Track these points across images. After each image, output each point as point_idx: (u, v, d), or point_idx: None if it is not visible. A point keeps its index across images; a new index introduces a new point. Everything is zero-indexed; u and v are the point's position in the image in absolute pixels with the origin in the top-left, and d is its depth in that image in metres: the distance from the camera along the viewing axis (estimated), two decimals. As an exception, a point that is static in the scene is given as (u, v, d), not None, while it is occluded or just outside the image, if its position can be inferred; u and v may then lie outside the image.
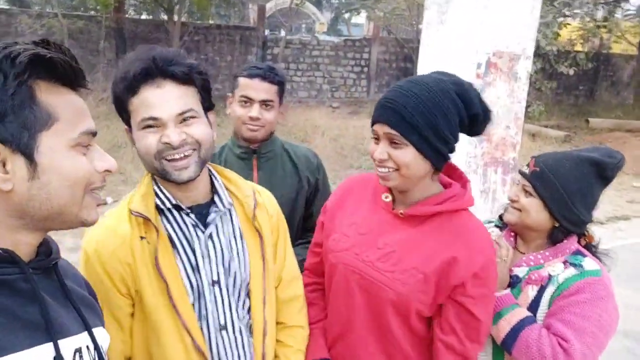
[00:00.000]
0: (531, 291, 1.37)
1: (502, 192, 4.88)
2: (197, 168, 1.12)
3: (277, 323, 1.32)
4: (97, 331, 0.84)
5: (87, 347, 0.80)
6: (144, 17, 14.20)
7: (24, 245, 0.75)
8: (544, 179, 1.37)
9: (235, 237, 1.23)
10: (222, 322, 1.18)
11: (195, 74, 1.11)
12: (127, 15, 11.79)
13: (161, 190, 1.16)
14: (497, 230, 1.56)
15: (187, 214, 1.17)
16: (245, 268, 1.22)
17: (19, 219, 0.73)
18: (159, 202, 1.16)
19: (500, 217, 1.55)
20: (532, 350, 1.27)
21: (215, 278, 1.18)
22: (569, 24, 10.48)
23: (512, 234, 1.50)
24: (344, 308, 1.30)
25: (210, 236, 1.19)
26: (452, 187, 1.26)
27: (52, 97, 0.72)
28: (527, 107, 4.91)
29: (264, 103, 1.73)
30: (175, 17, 10.93)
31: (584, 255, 1.38)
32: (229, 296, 1.19)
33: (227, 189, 1.25)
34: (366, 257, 1.25)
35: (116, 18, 10.69)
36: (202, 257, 1.17)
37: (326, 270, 1.37)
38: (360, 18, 23.32)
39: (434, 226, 1.23)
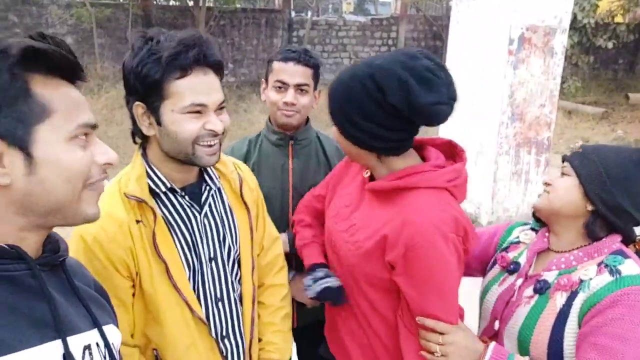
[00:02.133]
0: (560, 298, 1.18)
1: (535, 173, 4.72)
2: (220, 154, 1.19)
3: (258, 285, 1.39)
4: (108, 329, 0.84)
5: (97, 344, 0.79)
6: (170, 3, 14.27)
7: (28, 241, 0.75)
8: (584, 156, 1.23)
9: (226, 212, 1.29)
10: (219, 294, 1.26)
11: (222, 66, 1.16)
12: (154, 2, 11.86)
13: (155, 173, 1.18)
14: (532, 233, 1.38)
15: (183, 196, 1.21)
16: (236, 241, 1.30)
17: (21, 215, 0.72)
18: (152, 185, 1.17)
19: (534, 215, 1.36)
20: None
21: (212, 255, 1.25)
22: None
23: (547, 234, 1.32)
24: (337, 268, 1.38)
25: (206, 215, 1.25)
26: (426, 163, 1.22)
27: (47, 90, 0.71)
28: (563, 83, 4.68)
29: (299, 87, 1.68)
30: (201, 2, 10.93)
31: (626, 257, 1.17)
32: (225, 271, 1.27)
33: (214, 166, 1.28)
34: (340, 227, 1.31)
35: (143, 5, 10.76)
36: (200, 236, 1.22)
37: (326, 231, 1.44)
38: (388, -3, 22.83)
39: (389, 202, 1.21)
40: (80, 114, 0.74)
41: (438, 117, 1.13)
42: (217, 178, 1.29)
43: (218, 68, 1.14)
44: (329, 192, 1.47)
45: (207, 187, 1.26)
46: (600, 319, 1.09)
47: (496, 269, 1.39)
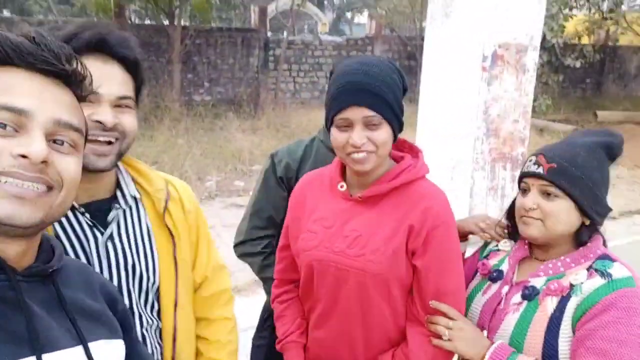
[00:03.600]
0: (550, 303, 1.17)
1: (511, 188, 4.76)
2: (115, 160, 1.03)
3: (199, 319, 1.27)
4: (97, 345, 0.78)
5: None
6: (146, 22, 14.20)
7: (9, 250, 0.71)
8: (569, 174, 1.18)
9: (142, 236, 1.12)
10: None
11: (141, 67, 1.06)
12: (128, 21, 11.78)
13: None
14: (510, 242, 1.37)
15: (82, 213, 1.04)
16: (153, 271, 1.12)
17: None
18: None
19: (509, 226, 1.36)
20: None
21: (115, 282, 1.07)
22: (574, 16, 10.32)
23: (525, 240, 1.31)
24: (329, 299, 1.31)
25: (111, 237, 1.07)
26: (404, 160, 1.29)
27: None
28: (534, 101, 4.77)
29: None
30: (176, 21, 10.90)
31: (613, 260, 1.18)
32: (131, 302, 1.09)
33: (135, 182, 1.14)
34: (336, 248, 1.27)
35: (117, 23, 10.68)
36: (100, 261, 1.05)
37: (302, 272, 1.35)
38: (362, 17, 23.25)
39: (392, 201, 1.26)
40: (1, 96, 0.67)
41: None
42: (134, 195, 1.12)
43: (126, 63, 1.03)
44: (294, 226, 1.39)
45: (116, 205, 1.09)
46: (595, 322, 1.08)
47: (478, 277, 1.37)
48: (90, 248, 1.04)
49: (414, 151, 1.33)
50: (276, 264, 1.47)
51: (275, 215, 1.69)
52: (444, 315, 1.22)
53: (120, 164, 1.13)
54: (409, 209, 1.23)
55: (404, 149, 1.34)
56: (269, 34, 13.31)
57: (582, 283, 1.14)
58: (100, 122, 0.98)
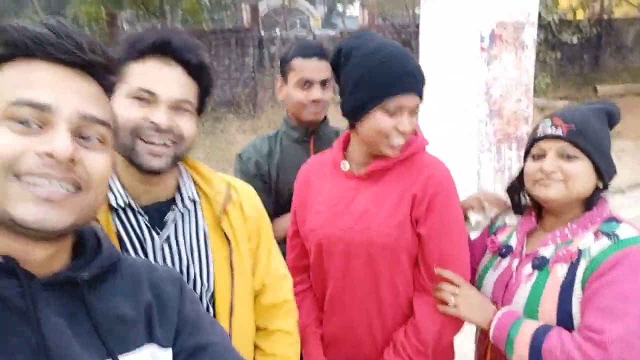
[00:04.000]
0: (561, 270, 1.17)
1: (518, 169, 4.73)
2: (170, 162, 1.02)
3: (259, 329, 1.23)
4: (130, 357, 0.72)
5: None
6: (138, 28, 14.18)
7: (34, 256, 0.66)
8: (587, 135, 1.18)
9: (198, 239, 1.10)
10: None
11: (205, 72, 1.05)
12: (121, 28, 11.75)
13: (115, 184, 1.03)
14: (517, 216, 1.36)
15: (141, 215, 1.05)
16: (208, 276, 1.10)
17: None
18: (111, 199, 1.02)
19: (513, 199, 1.36)
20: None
21: None
22: (568, -8, 10.24)
23: (532, 212, 1.31)
24: (340, 278, 1.32)
25: (168, 239, 1.06)
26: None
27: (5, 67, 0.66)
28: (533, 80, 4.73)
29: (324, 83, 1.65)
30: (169, 24, 10.89)
31: (619, 222, 1.18)
32: None
33: (197, 184, 1.13)
34: (344, 225, 1.29)
35: (110, 31, 10.66)
36: (156, 262, 1.04)
37: (312, 253, 1.37)
38: (354, 9, 23.14)
39: (395, 174, 1.29)
40: (22, 90, 0.63)
41: None
42: (193, 199, 1.11)
43: (189, 67, 1.02)
44: (301, 211, 1.41)
45: (173, 207, 1.08)
46: (602, 280, 1.09)
47: (488, 254, 1.38)
48: (147, 249, 1.04)
49: None
50: (287, 253, 1.47)
51: None
52: (449, 282, 1.25)
53: (182, 166, 1.13)
54: (411, 180, 1.26)
55: None
56: (262, 32, 13.27)
57: (589, 247, 1.15)
58: (155, 123, 0.97)
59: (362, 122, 1.23)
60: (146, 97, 0.98)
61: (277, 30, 13.16)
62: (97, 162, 0.67)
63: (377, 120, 1.20)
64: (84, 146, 0.66)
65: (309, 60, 1.63)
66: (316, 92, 1.63)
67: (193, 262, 1.08)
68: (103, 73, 0.70)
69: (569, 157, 1.19)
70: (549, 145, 1.20)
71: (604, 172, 1.19)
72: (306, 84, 1.63)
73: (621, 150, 7.32)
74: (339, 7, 25.36)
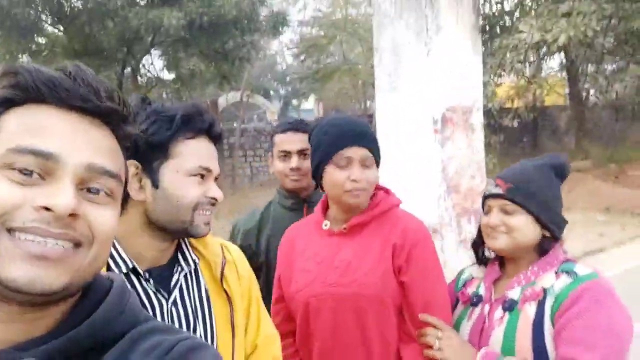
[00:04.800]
0: (530, 308, 1.27)
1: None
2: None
3: None
4: None
5: None
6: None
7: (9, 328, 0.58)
8: (524, 191, 1.32)
9: (202, 300, 1.11)
10: None
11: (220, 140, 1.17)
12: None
13: (117, 251, 1.03)
14: (482, 267, 1.48)
15: (147, 280, 1.05)
16: (212, 336, 1.10)
17: None
18: (112, 265, 1.01)
19: (477, 252, 1.50)
20: None
21: None
22: (503, 83, 11.29)
23: (496, 262, 1.43)
24: (328, 336, 1.34)
25: (175, 302, 1.06)
26: (378, 194, 1.45)
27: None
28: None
29: (302, 152, 1.81)
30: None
31: (574, 262, 1.32)
32: None
33: (192, 246, 1.16)
34: (330, 280, 1.35)
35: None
36: None
37: (298, 315, 1.39)
38: (309, 104, 24.33)
39: (374, 228, 1.38)
40: (27, 138, 0.57)
41: None
42: (194, 259, 1.12)
43: (217, 141, 1.12)
44: (286, 274, 1.47)
45: (179, 269, 1.09)
46: (569, 314, 1.19)
47: (460, 306, 1.47)
48: (156, 314, 1.03)
49: (384, 189, 1.50)
50: (272, 318, 1.47)
51: None
52: (433, 326, 1.32)
53: None
54: (390, 230, 1.36)
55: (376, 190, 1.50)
56: (222, 124, 13.67)
57: (552, 285, 1.26)
58: (214, 199, 1.06)
59: (323, 181, 1.36)
60: (204, 174, 1.05)
61: (236, 123, 13.59)
62: (103, 218, 0.60)
63: (331, 174, 1.33)
64: (90, 200, 0.60)
65: (285, 134, 1.83)
66: (294, 161, 1.80)
67: (198, 324, 1.09)
68: (119, 123, 0.65)
69: (507, 213, 1.33)
70: (493, 203, 1.35)
71: (547, 222, 1.32)
72: (285, 155, 1.81)
73: (572, 223, 7.73)
74: (294, 102, 26.58)
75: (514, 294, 1.32)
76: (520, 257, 1.37)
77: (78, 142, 0.59)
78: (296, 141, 1.82)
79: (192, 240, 1.16)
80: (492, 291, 1.38)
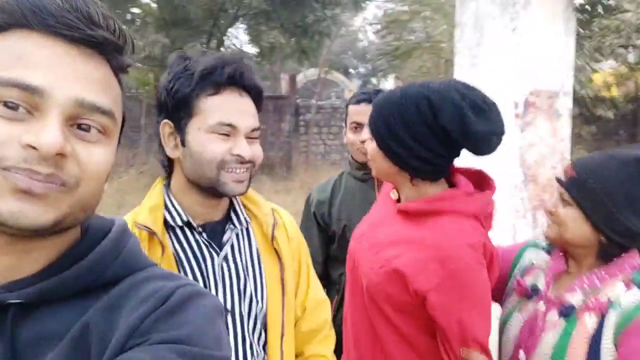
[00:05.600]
0: (589, 320, 1.11)
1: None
2: (249, 185, 1.08)
3: (296, 355, 1.21)
4: None
5: None
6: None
7: None
8: (582, 185, 1.16)
9: (252, 258, 1.13)
10: (234, 358, 1.04)
11: (262, 94, 1.10)
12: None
13: (173, 205, 1.07)
14: (546, 255, 1.33)
15: (200, 233, 1.07)
16: (262, 295, 1.10)
17: None
18: (168, 218, 1.06)
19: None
20: None
21: (229, 306, 1.05)
22: (601, 69, 10.36)
23: (561, 253, 1.28)
24: (347, 293, 1.31)
25: (226, 258, 1.08)
26: (450, 190, 1.22)
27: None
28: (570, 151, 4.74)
29: None
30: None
31: None
32: (243, 327, 1.06)
33: (244, 206, 1.17)
34: (364, 245, 1.28)
35: (156, 94, 11.29)
36: (215, 281, 1.05)
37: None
38: (388, 83, 23.90)
39: (418, 224, 1.20)
40: (11, 69, 0.53)
41: (489, 146, 1.14)
42: (245, 218, 1.14)
43: (256, 94, 1.07)
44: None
45: (232, 226, 1.12)
46: (635, 341, 1.03)
47: (514, 296, 1.34)
48: (207, 268, 1.06)
49: (486, 189, 1.25)
50: None
51: (315, 254, 1.75)
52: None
53: None
54: (422, 239, 1.17)
55: (482, 183, 1.27)
56: (299, 100, 13.79)
57: (619, 297, 1.10)
58: (240, 156, 1.02)
59: None
60: (227, 131, 1.01)
61: (314, 100, 13.64)
62: (94, 156, 0.57)
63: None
64: (81, 138, 0.56)
65: (359, 105, 1.81)
66: (365, 133, 1.71)
67: (249, 281, 1.10)
68: (113, 53, 0.60)
69: (564, 202, 1.21)
70: (559, 189, 1.24)
71: (600, 224, 1.15)
72: (357, 127, 1.80)
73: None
74: (374, 81, 26.23)
75: (574, 298, 1.18)
76: (579, 256, 1.23)
77: (67, 75, 0.55)
78: (369, 113, 1.79)
79: (245, 201, 1.18)
80: (551, 286, 1.25)
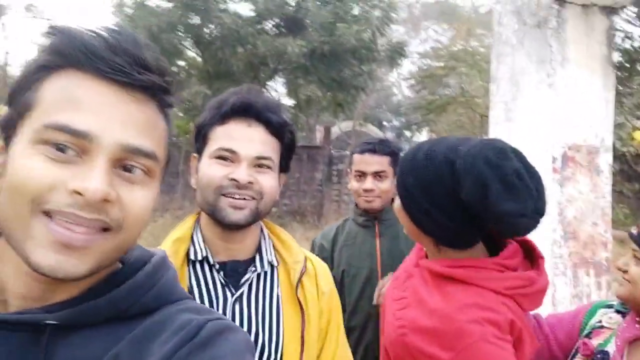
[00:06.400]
0: None
1: (597, 296, 4.37)
2: (251, 216, 1.03)
3: None
4: None
5: None
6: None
7: (33, 288, 0.59)
8: None
9: (271, 305, 1.06)
10: None
11: (286, 130, 1.09)
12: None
13: (197, 239, 1.07)
14: (617, 316, 1.24)
15: (218, 271, 1.05)
16: (277, 347, 1.03)
17: None
18: (191, 251, 1.05)
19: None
20: None
21: None
22: (642, 126, 10.14)
23: (637, 318, 1.18)
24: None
25: (240, 299, 1.04)
26: (481, 260, 1.08)
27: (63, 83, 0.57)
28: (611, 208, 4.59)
29: (377, 174, 1.83)
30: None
31: None
32: None
33: (276, 249, 1.13)
34: (394, 295, 1.18)
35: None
36: None
37: None
38: (422, 136, 24.00)
39: (440, 285, 1.07)
40: (64, 112, 0.54)
41: (517, 229, 0.99)
42: (271, 261, 1.09)
43: (270, 125, 1.05)
44: None
45: (253, 268, 1.07)
46: None
47: (579, 358, 1.22)
48: (218, 308, 1.02)
49: (534, 266, 1.13)
50: None
51: None
52: None
53: (265, 229, 1.16)
54: (438, 305, 1.05)
55: (532, 257, 1.16)
56: (333, 151, 13.97)
57: None
58: (235, 180, 1.01)
59: None
60: (228, 156, 1.03)
61: (347, 151, 13.81)
62: (137, 200, 0.58)
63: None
64: (126, 180, 0.58)
65: (363, 155, 1.85)
66: (367, 183, 1.82)
67: (263, 329, 1.04)
68: (161, 94, 0.62)
69: (635, 260, 1.16)
70: (631, 245, 1.19)
71: None
72: (361, 175, 1.84)
73: None
74: (407, 134, 26.39)
75: None
76: None
77: (114, 119, 0.56)
78: (372, 163, 1.84)
79: (277, 243, 1.15)
80: (625, 354, 1.15)
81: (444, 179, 1.01)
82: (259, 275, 1.09)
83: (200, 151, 1.08)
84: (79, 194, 0.53)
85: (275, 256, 1.13)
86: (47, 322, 0.56)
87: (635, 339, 1.16)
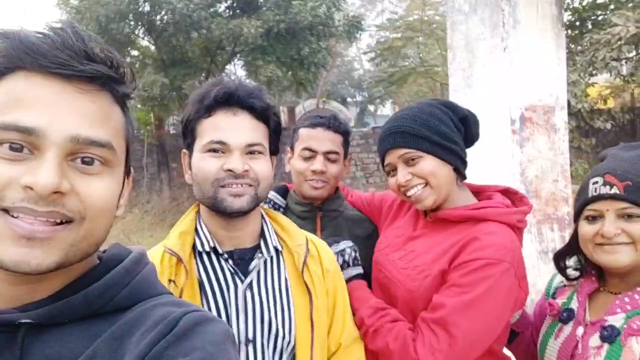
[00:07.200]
0: (637, 345, 1.02)
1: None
2: (251, 202, 1.05)
3: None
4: None
5: None
6: (182, 131, 15.11)
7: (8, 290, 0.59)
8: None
9: (280, 289, 1.09)
10: None
11: (271, 113, 1.09)
12: (168, 131, 12.59)
13: (202, 230, 1.08)
14: (574, 272, 1.27)
15: (226, 260, 1.07)
16: (290, 329, 1.07)
17: None
18: (197, 243, 1.06)
19: (560, 265, 1.28)
20: None
21: (250, 336, 1.03)
22: (596, 83, 10.46)
23: (593, 272, 1.21)
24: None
25: (250, 286, 1.06)
26: (490, 199, 1.28)
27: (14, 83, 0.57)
28: (570, 166, 4.75)
29: (328, 155, 1.50)
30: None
31: None
32: (264, 359, 1.03)
33: (277, 235, 1.15)
34: (392, 257, 1.29)
35: (157, 135, 11.42)
36: (237, 310, 1.03)
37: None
38: (386, 109, 24.13)
39: (456, 230, 1.22)
40: (10, 112, 0.55)
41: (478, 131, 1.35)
42: (276, 246, 1.12)
43: (255, 111, 1.06)
44: (384, 224, 1.46)
45: (259, 254, 1.10)
46: None
47: (548, 319, 1.27)
48: (229, 296, 1.04)
49: (522, 203, 1.29)
50: None
51: None
52: None
53: (265, 216, 1.17)
54: (463, 237, 1.19)
55: (515, 201, 1.31)
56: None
57: None
58: (231, 170, 1.02)
59: None
60: (219, 148, 1.03)
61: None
62: (96, 190, 0.59)
63: (389, 183, 1.29)
64: (83, 172, 0.58)
65: (315, 130, 1.51)
66: (318, 163, 1.49)
67: (275, 313, 1.06)
68: (112, 84, 0.61)
69: (630, 217, 1.08)
70: (606, 206, 1.10)
71: None
72: (309, 154, 1.50)
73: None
74: (371, 108, 26.51)
75: (617, 320, 1.08)
76: (634, 273, 1.12)
77: (61, 113, 0.57)
78: (325, 140, 1.50)
79: (278, 229, 1.17)
80: (587, 308, 1.17)
81: (444, 111, 1.27)
82: (265, 261, 1.11)
83: (190, 146, 1.08)
84: (30, 188, 0.54)
85: (278, 241, 1.15)
86: (22, 321, 0.57)
87: (594, 291, 1.21)
